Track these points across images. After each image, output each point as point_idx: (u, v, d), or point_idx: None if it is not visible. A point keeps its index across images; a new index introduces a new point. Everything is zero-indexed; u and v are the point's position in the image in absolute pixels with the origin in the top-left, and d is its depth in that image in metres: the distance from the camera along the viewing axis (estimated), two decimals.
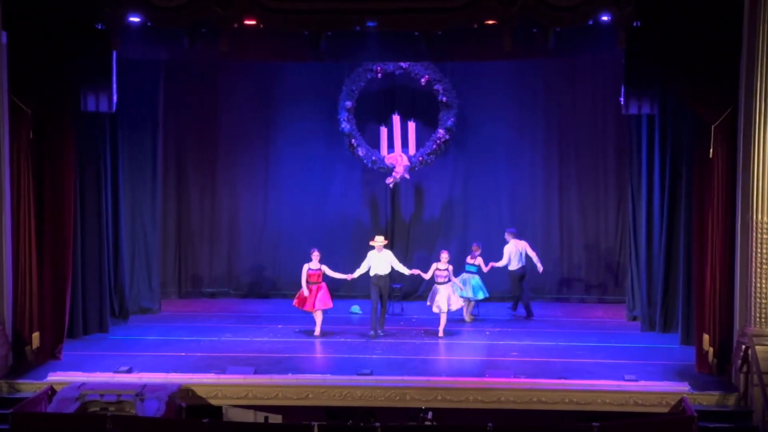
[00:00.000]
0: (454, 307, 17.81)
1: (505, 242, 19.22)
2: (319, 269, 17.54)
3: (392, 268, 17.77)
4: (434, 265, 17.90)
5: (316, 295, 17.45)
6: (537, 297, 20.85)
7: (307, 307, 17.55)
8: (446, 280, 17.75)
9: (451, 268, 17.90)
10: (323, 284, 17.60)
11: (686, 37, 14.65)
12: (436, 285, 17.78)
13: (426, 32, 15.50)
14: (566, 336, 17.64)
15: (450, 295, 17.68)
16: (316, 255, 17.60)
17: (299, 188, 21.21)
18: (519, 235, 19.38)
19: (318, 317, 17.53)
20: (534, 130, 20.97)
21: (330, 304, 17.69)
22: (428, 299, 18.03)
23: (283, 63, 19.86)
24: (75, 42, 15.12)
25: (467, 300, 18.75)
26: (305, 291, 17.49)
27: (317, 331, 17.47)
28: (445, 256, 17.89)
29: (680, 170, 17.03)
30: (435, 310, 17.67)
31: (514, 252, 19.13)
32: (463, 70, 20.14)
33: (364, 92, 20.03)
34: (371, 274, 17.63)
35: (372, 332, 17.40)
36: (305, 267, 17.60)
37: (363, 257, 17.81)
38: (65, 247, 16.00)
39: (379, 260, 17.66)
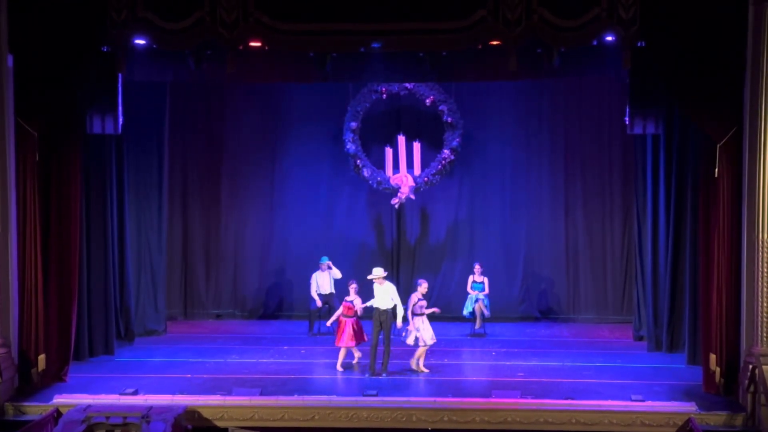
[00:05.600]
0: (429, 342, 16.49)
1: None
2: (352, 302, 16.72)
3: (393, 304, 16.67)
4: (414, 296, 16.66)
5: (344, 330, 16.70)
6: (543, 317, 20.93)
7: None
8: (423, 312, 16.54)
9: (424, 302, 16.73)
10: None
11: (690, 57, 14.65)
12: (415, 317, 16.51)
13: (431, 53, 15.60)
14: (573, 356, 17.59)
15: (426, 328, 16.49)
16: (354, 287, 16.87)
17: (305, 209, 21.22)
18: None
19: (343, 353, 16.78)
20: (539, 149, 21.00)
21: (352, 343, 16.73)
22: (403, 333, 16.72)
23: (288, 84, 19.86)
24: (81, 65, 15.14)
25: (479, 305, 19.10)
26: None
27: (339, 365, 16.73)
28: (422, 287, 16.74)
29: (686, 189, 17.01)
30: (410, 342, 16.57)
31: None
32: (467, 91, 20.16)
33: (369, 113, 20.07)
34: (374, 306, 16.63)
35: (370, 371, 16.30)
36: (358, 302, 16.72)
37: (368, 279, 17.01)
38: (71, 269, 15.99)
39: (381, 294, 16.65)
